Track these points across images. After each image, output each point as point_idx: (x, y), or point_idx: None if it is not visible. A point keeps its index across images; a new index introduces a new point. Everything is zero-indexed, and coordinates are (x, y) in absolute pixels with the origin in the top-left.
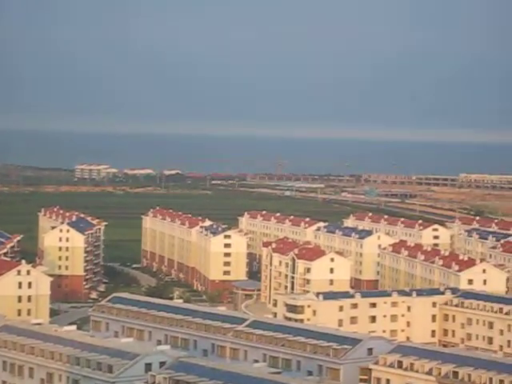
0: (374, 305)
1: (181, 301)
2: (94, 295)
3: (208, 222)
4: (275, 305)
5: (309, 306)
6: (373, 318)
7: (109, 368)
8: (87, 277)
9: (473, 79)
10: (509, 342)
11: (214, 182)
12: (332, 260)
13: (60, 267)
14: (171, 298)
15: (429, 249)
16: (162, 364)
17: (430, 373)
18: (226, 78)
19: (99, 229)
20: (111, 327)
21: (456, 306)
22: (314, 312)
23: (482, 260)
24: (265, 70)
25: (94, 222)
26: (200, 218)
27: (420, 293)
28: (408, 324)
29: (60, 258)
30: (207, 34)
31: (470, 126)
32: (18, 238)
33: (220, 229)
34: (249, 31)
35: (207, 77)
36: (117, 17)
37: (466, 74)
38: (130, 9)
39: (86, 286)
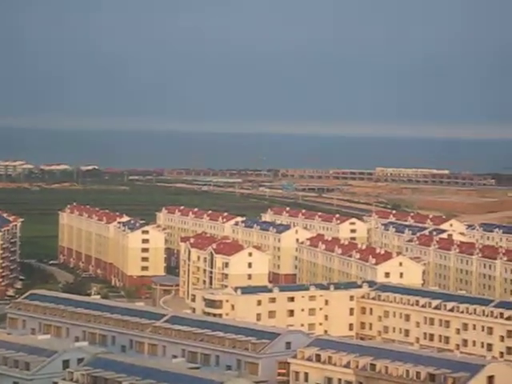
0: (292, 299)
1: (98, 297)
2: (10, 292)
3: (125, 218)
4: (194, 300)
5: (227, 301)
6: (291, 312)
7: (26, 365)
8: (3, 274)
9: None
10: (425, 334)
11: (131, 177)
12: (250, 255)
13: None
14: (89, 294)
15: (346, 242)
16: (79, 360)
17: (347, 366)
18: (144, 75)
19: (15, 225)
20: (28, 324)
21: (373, 299)
22: (233, 306)
23: (398, 253)
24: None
25: (10, 218)
26: (117, 213)
27: (337, 286)
28: (326, 317)
29: None
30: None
31: (380, 120)
32: None
33: (138, 224)
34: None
35: (129, 74)
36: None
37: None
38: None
39: (3, 283)
